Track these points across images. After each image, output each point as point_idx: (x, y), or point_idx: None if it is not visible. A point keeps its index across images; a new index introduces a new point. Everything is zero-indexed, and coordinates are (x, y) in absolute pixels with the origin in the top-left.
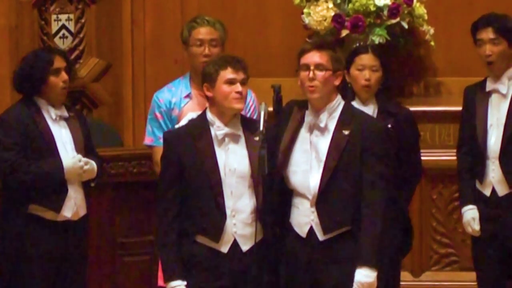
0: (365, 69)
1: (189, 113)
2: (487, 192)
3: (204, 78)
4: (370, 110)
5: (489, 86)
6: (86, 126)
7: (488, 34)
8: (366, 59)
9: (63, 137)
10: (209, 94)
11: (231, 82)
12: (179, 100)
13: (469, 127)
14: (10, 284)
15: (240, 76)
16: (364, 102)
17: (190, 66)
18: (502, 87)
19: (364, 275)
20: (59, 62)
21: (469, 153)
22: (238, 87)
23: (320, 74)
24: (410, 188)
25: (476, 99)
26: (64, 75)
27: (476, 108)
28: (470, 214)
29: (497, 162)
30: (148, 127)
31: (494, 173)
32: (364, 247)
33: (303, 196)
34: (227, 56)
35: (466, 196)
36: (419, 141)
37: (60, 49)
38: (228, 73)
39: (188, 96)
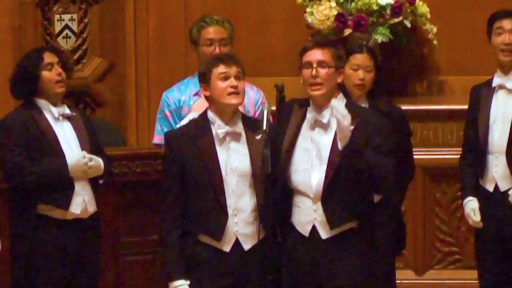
0: (360, 69)
1: (190, 113)
2: (490, 188)
3: (200, 79)
4: None
5: (496, 81)
6: (91, 125)
7: (509, 23)
8: (361, 59)
9: (67, 135)
10: (206, 93)
11: (224, 77)
12: (188, 98)
13: (472, 123)
14: (24, 284)
15: (233, 70)
16: (356, 101)
17: (199, 65)
18: (509, 82)
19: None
20: (50, 57)
21: (472, 150)
22: (233, 81)
23: (323, 71)
24: (403, 186)
25: (481, 96)
26: (57, 69)
27: (480, 104)
28: (470, 205)
29: (501, 157)
30: (157, 126)
31: (497, 168)
32: None
33: (304, 195)
34: (219, 54)
35: (467, 188)
36: (411, 140)
37: (51, 46)
38: (220, 69)
39: (197, 94)
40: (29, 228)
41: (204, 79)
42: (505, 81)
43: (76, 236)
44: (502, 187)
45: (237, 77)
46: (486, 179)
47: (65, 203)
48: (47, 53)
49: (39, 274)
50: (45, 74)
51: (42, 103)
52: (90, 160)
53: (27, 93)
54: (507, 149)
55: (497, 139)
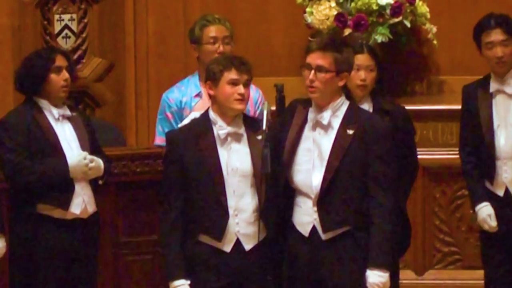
0: (361, 69)
1: (192, 113)
2: (500, 193)
3: (208, 76)
4: (365, 108)
5: (493, 86)
6: (90, 126)
7: (498, 35)
8: (362, 59)
9: (67, 136)
10: (211, 92)
11: (234, 83)
12: (190, 100)
13: (472, 127)
14: (22, 284)
15: (244, 78)
16: (359, 101)
17: (200, 64)
18: (508, 87)
19: (377, 276)
20: (60, 61)
21: (474, 153)
22: (241, 88)
23: (320, 76)
24: (407, 186)
25: (478, 98)
26: (65, 74)
27: (478, 108)
28: (485, 211)
29: (509, 163)
30: (158, 127)
31: (506, 173)
32: (376, 249)
33: (305, 195)
34: (232, 57)
35: (478, 194)
36: (415, 139)
37: (62, 49)
38: (232, 74)
39: (198, 95)
40: (28, 227)
41: (213, 79)
42: (503, 86)
43: (75, 235)
44: None
45: (245, 85)
46: (496, 185)
47: (65, 203)
48: (59, 56)
49: (38, 273)
50: (53, 77)
51: (44, 103)
52: (91, 161)
53: (30, 91)
54: None
55: (503, 144)
